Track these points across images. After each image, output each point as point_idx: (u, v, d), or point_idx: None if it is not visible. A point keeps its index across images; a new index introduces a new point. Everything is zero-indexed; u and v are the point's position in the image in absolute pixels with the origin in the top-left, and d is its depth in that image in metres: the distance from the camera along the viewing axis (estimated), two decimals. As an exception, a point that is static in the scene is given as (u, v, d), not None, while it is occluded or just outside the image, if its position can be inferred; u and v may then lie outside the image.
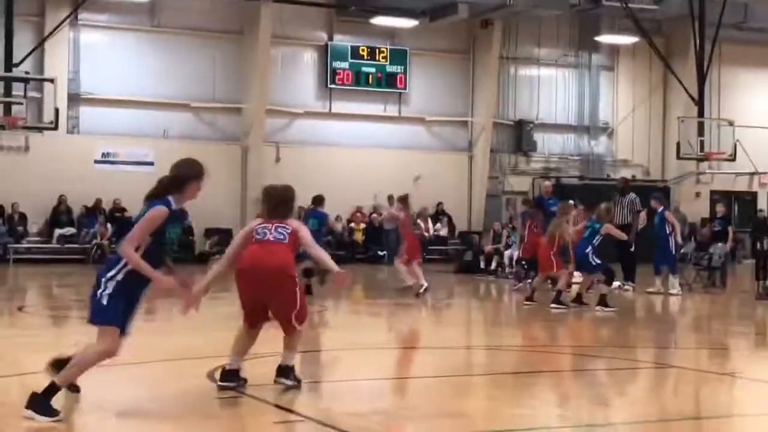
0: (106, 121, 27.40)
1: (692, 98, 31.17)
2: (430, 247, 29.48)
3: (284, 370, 7.78)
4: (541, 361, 10.57)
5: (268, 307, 7.70)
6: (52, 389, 6.55)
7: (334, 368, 9.40)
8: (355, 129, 30.15)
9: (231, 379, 7.66)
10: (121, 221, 26.68)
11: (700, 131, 30.92)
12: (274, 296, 7.61)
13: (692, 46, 30.99)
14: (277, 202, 7.93)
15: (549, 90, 32.50)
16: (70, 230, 26.64)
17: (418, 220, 19.61)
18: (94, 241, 26.32)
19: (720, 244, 19.61)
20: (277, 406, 7.21)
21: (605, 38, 32.08)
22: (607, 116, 33.37)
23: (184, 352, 9.82)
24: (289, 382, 7.73)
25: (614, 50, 33.15)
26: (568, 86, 32.72)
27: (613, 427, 6.82)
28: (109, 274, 6.65)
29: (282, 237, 7.71)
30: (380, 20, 29.54)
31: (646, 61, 32.70)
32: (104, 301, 6.62)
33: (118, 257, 6.68)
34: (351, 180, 29.16)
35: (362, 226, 29.20)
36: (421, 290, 16.73)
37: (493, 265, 23.70)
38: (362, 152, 29.82)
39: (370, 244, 28.82)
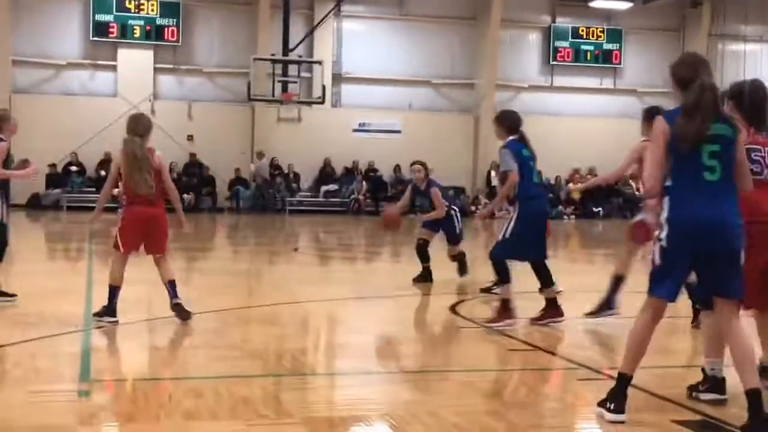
0: (363, 96, 27.93)
1: None
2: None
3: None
4: None
5: None
6: None
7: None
8: (573, 101, 29.38)
9: None
10: (374, 180, 27.37)
11: None
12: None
13: None
14: None
15: (754, 65, 30.35)
16: (333, 187, 27.20)
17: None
18: (352, 197, 26.94)
19: None
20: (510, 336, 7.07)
21: (812, 13, 29.58)
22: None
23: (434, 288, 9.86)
24: None
25: (821, 24, 30.52)
26: (772, 61, 30.49)
27: None
28: None
29: None
30: (598, 4, 28.61)
31: None
32: None
33: None
34: (570, 146, 28.47)
35: (579, 185, 28.51)
36: None
37: None
38: (580, 122, 29.03)
39: (586, 202, 28.10)
